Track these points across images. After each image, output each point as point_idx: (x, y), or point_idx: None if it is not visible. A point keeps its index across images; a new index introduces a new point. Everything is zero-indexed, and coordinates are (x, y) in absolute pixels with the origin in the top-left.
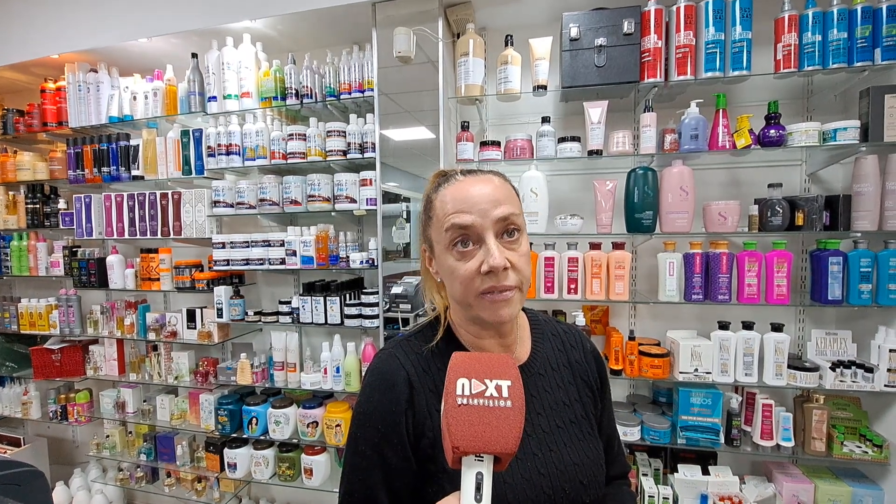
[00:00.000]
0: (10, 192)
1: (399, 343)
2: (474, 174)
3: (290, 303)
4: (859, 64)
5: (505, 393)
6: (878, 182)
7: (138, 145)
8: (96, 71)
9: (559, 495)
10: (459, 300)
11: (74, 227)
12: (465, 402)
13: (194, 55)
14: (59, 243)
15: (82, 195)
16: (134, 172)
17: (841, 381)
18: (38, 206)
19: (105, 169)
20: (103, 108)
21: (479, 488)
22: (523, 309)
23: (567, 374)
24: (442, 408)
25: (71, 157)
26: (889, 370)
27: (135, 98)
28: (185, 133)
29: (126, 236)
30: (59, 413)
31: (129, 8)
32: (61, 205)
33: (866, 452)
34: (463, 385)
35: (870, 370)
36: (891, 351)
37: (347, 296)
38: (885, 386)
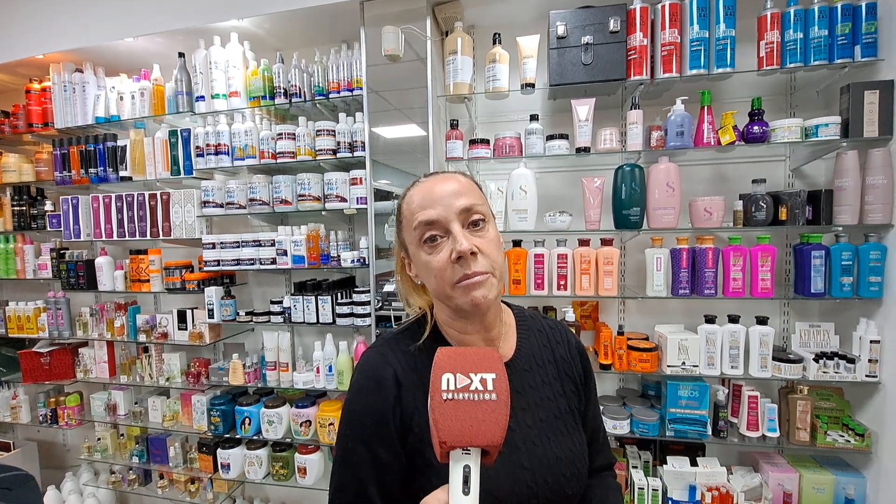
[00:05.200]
0: None
1: (386, 341)
2: (437, 174)
3: (281, 302)
4: (840, 61)
5: (490, 386)
6: (858, 177)
7: (126, 146)
8: (82, 71)
9: (542, 488)
10: (438, 294)
11: (62, 228)
12: (450, 396)
13: (181, 54)
14: (46, 245)
15: (69, 197)
16: (122, 173)
17: (824, 372)
18: (24, 208)
19: (92, 170)
20: (89, 109)
21: (466, 481)
22: (510, 306)
23: (552, 370)
24: (429, 403)
25: (57, 159)
26: (870, 361)
27: (121, 98)
28: (173, 133)
29: (115, 238)
30: (49, 416)
31: (114, 7)
32: (48, 206)
33: (849, 441)
34: (448, 380)
35: (852, 361)
36: (872, 342)
37: (339, 295)
38: (867, 376)
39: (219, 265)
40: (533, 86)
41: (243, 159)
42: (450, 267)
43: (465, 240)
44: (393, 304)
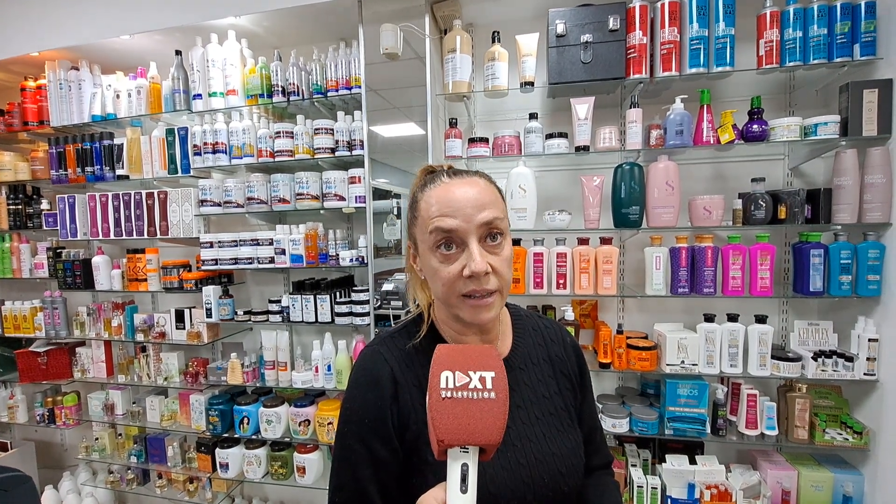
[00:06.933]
0: None
1: (383, 340)
2: (460, 176)
3: (279, 301)
4: (839, 59)
5: (489, 384)
6: (856, 175)
7: (122, 144)
8: (78, 69)
9: (538, 484)
10: (442, 299)
11: (58, 227)
12: (449, 395)
13: (178, 52)
14: (42, 244)
15: (66, 195)
16: (118, 172)
17: (822, 370)
18: (20, 207)
19: (89, 168)
20: (86, 107)
21: (464, 479)
22: (506, 304)
23: (547, 368)
24: (427, 401)
25: (53, 157)
26: (868, 359)
27: (118, 96)
28: (170, 131)
29: (112, 237)
30: (46, 416)
31: (110, 4)
32: (44, 205)
33: (847, 439)
34: (447, 378)
35: (850, 359)
36: (870, 340)
37: (337, 294)
38: (865, 374)
39: (217, 264)
40: (532, 84)
41: (241, 158)
42: (460, 280)
43: (481, 258)
44: (392, 302)
